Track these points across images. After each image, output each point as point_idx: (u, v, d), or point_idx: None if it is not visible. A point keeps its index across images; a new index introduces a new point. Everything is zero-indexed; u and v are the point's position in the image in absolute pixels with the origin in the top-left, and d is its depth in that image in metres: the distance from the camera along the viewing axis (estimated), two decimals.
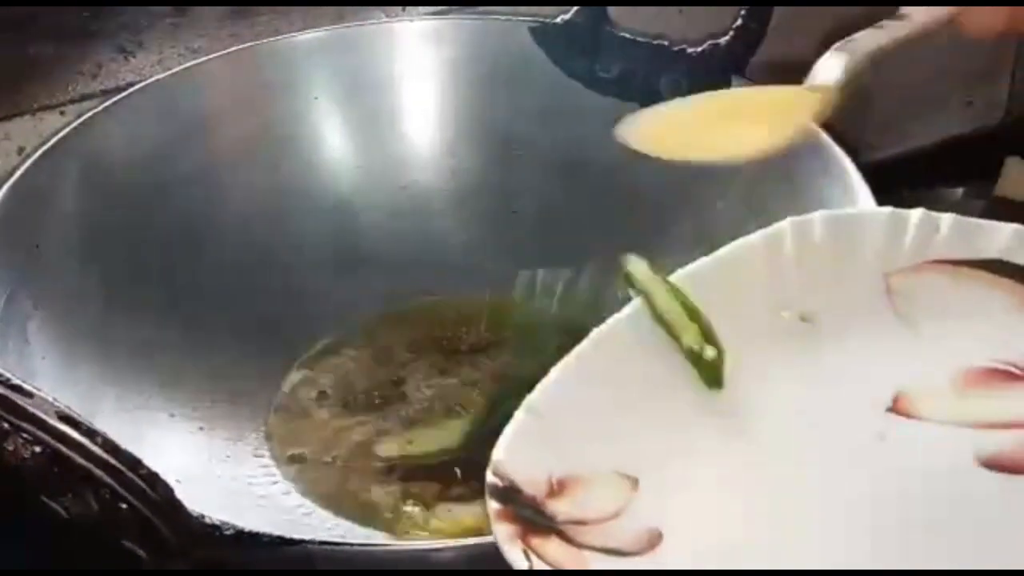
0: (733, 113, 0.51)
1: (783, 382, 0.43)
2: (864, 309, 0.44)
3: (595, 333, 0.43)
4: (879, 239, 0.45)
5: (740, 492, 0.40)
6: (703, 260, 0.44)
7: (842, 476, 0.40)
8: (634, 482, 0.40)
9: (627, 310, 0.43)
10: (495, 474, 0.38)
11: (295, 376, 0.60)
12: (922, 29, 0.52)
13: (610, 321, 0.43)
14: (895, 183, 0.81)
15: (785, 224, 0.45)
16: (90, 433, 0.38)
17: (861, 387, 0.42)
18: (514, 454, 0.39)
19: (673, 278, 0.44)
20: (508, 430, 0.39)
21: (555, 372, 0.41)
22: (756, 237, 0.45)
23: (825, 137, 0.57)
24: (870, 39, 0.51)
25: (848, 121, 0.82)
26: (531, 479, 0.38)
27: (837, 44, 0.51)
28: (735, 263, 0.45)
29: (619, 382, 0.42)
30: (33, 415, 0.38)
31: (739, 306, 0.44)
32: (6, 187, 0.54)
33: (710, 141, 0.49)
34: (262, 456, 0.56)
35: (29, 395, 0.38)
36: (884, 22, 0.52)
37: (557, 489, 0.39)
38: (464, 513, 0.52)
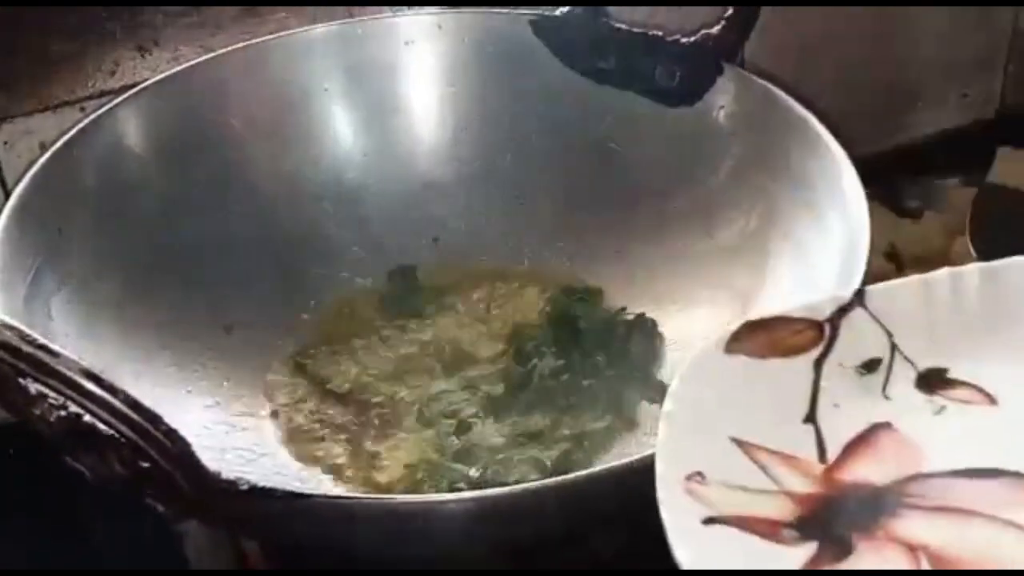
0: None
1: None
2: None
3: None
4: None
5: None
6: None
7: None
8: None
9: None
10: None
11: (304, 359, 0.62)
12: None
13: None
14: (891, 173, 0.83)
15: None
16: (112, 390, 0.40)
17: None
18: None
19: None
20: None
21: None
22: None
23: (815, 122, 0.59)
24: None
25: (845, 113, 0.84)
26: None
27: None
28: None
29: None
30: (59, 372, 0.40)
31: None
32: (30, 174, 0.55)
33: None
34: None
35: (55, 354, 0.40)
36: None
37: None
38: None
